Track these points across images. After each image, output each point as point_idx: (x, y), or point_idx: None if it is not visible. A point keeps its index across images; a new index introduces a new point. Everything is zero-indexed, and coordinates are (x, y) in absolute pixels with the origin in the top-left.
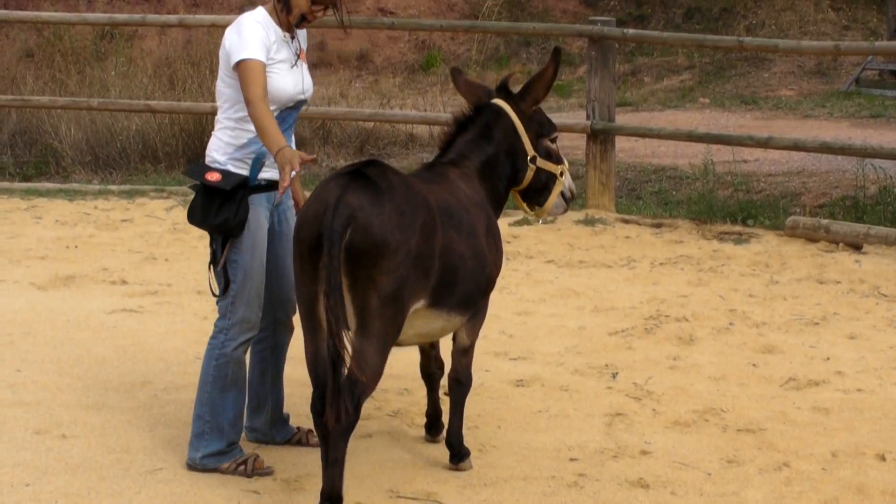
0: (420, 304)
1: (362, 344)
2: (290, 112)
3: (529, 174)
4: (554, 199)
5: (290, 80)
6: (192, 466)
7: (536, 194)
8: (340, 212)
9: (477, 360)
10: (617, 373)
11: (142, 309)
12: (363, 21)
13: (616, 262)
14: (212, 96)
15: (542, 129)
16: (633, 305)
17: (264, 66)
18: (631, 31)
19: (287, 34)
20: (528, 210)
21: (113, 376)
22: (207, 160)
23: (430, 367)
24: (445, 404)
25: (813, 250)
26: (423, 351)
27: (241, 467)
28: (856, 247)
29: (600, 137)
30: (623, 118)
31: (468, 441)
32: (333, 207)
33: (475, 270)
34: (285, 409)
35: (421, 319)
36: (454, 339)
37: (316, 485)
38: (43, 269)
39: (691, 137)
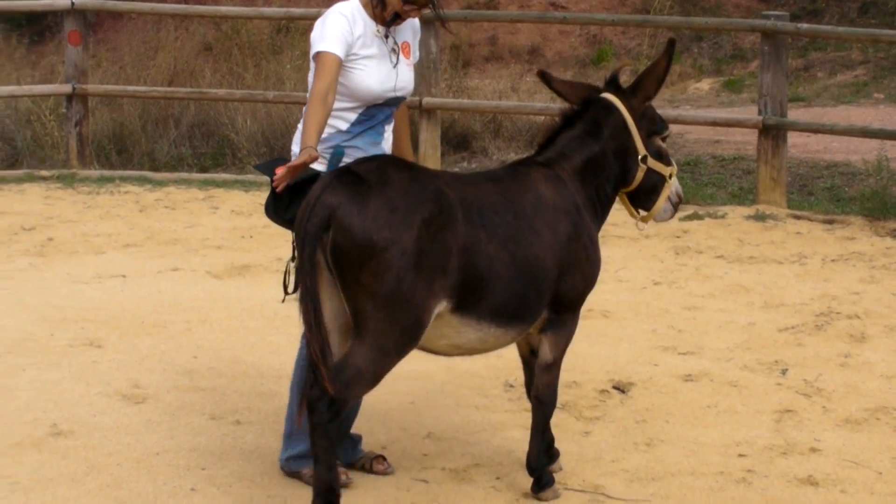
0: (442, 306)
1: (354, 348)
2: (381, 108)
3: (640, 174)
4: (662, 202)
5: (376, 76)
6: (282, 467)
7: (645, 197)
8: (316, 212)
9: (645, 355)
10: (787, 369)
11: None
12: (535, 15)
13: (787, 259)
14: None
15: (654, 126)
16: (804, 302)
17: (340, 61)
18: (804, 25)
19: (382, 28)
20: (633, 213)
21: (286, 364)
22: (292, 154)
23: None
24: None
25: None
26: (525, 362)
27: None
28: None
29: (772, 133)
30: (795, 113)
31: (636, 435)
32: (311, 207)
33: (514, 279)
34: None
35: (448, 327)
36: (538, 353)
37: (484, 475)
38: (219, 258)
39: (865, 133)
